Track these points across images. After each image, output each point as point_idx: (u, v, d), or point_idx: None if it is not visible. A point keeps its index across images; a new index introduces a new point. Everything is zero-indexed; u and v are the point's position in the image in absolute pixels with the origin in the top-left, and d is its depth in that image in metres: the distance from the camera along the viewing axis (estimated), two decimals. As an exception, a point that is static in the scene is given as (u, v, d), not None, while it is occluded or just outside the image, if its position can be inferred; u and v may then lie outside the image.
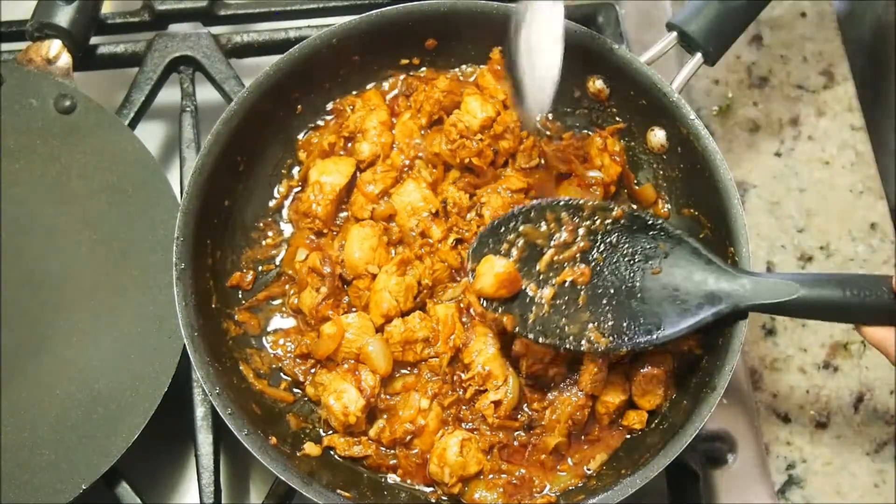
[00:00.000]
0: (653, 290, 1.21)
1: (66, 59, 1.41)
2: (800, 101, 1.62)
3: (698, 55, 1.33)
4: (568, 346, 1.19)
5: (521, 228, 1.22)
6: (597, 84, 1.38)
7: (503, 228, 1.22)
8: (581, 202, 1.23)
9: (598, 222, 1.23)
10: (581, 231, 1.22)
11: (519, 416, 1.27)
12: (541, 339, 1.19)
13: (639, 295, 1.21)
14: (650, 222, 1.22)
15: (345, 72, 1.40)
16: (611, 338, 1.19)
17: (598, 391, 1.25)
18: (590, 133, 1.41)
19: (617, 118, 1.40)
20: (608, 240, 1.23)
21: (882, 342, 1.12)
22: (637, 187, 1.40)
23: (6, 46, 1.49)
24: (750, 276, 1.18)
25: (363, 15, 1.35)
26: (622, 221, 1.23)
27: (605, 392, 1.25)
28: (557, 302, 1.21)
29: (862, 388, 1.45)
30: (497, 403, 1.24)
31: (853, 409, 1.44)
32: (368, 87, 1.43)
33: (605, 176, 1.35)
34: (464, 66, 1.44)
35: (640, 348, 1.21)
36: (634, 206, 1.26)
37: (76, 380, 1.26)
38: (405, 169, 1.37)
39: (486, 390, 1.25)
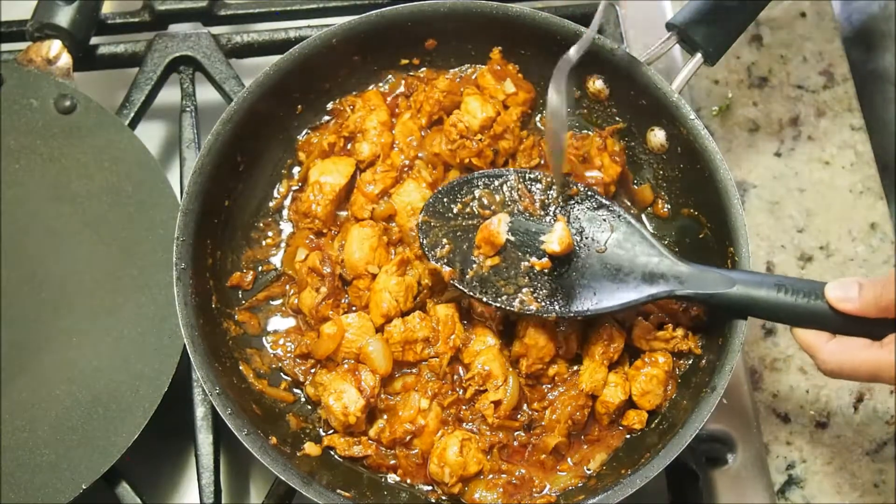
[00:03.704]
0: (594, 267, 1.23)
1: (66, 59, 1.41)
2: (800, 101, 1.62)
3: (698, 55, 1.33)
4: (500, 304, 1.23)
5: (477, 192, 1.28)
6: (596, 84, 1.38)
7: (463, 189, 1.28)
8: (539, 175, 1.28)
9: (552, 196, 1.26)
10: (536, 203, 1.26)
11: (519, 416, 1.27)
12: (474, 294, 1.23)
13: (580, 270, 1.24)
14: (604, 202, 1.26)
15: (345, 72, 1.40)
16: (542, 303, 1.22)
17: (598, 391, 1.25)
18: (590, 133, 1.41)
19: (617, 118, 1.40)
20: (560, 214, 1.26)
21: (811, 346, 1.13)
22: (635, 187, 1.40)
23: (6, 46, 1.49)
24: (690, 266, 1.21)
25: (363, 15, 1.35)
26: (576, 198, 1.26)
27: (605, 392, 1.25)
28: (500, 265, 1.24)
29: (862, 388, 1.45)
30: (497, 403, 1.24)
31: (853, 409, 1.44)
32: (368, 87, 1.43)
33: (605, 176, 1.35)
34: (464, 66, 1.44)
35: (569, 317, 1.23)
36: (590, 185, 1.30)
37: (76, 380, 1.26)
38: (405, 169, 1.37)
39: (486, 390, 1.25)
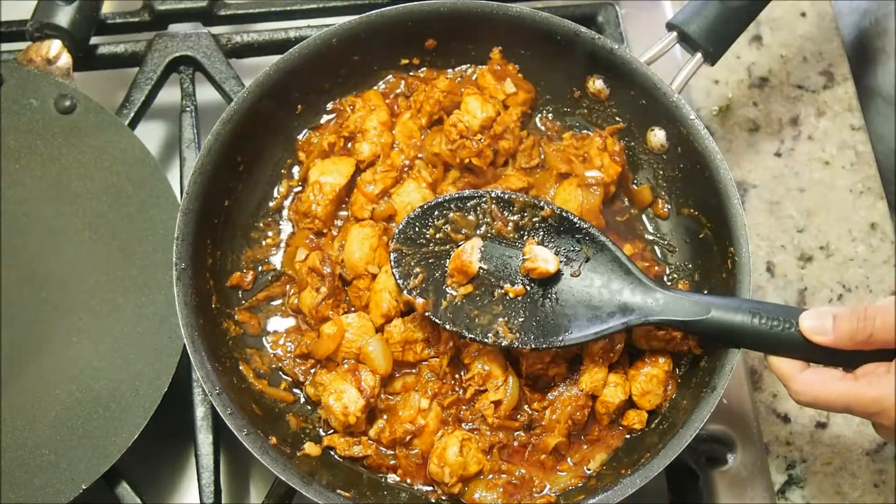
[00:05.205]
0: (568, 293, 1.22)
1: (66, 59, 1.41)
2: (800, 101, 1.62)
3: (698, 55, 1.33)
4: (474, 336, 1.21)
5: (450, 215, 1.25)
6: (597, 84, 1.38)
7: (435, 212, 1.25)
8: (512, 197, 1.25)
9: (526, 218, 1.25)
10: (509, 226, 1.24)
11: (519, 416, 1.27)
12: (448, 326, 1.21)
13: (554, 296, 1.22)
14: (577, 225, 1.23)
15: (345, 72, 1.40)
16: (517, 334, 1.20)
17: (598, 391, 1.25)
18: (590, 133, 1.41)
19: (617, 118, 1.40)
20: (533, 237, 1.24)
21: (784, 375, 1.12)
22: (635, 187, 1.40)
23: (6, 46, 1.49)
24: (665, 292, 1.19)
25: (363, 15, 1.35)
26: (550, 221, 1.24)
27: (605, 392, 1.25)
28: (473, 293, 1.23)
29: (862, 388, 1.45)
30: (497, 403, 1.24)
31: (853, 409, 1.44)
32: (368, 87, 1.43)
33: (605, 176, 1.35)
34: (464, 66, 1.44)
35: (544, 348, 1.21)
36: (564, 208, 1.26)
37: (76, 380, 1.26)
38: (405, 169, 1.37)
39: (486, 390, 1.25)
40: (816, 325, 1.09)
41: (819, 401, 1.10)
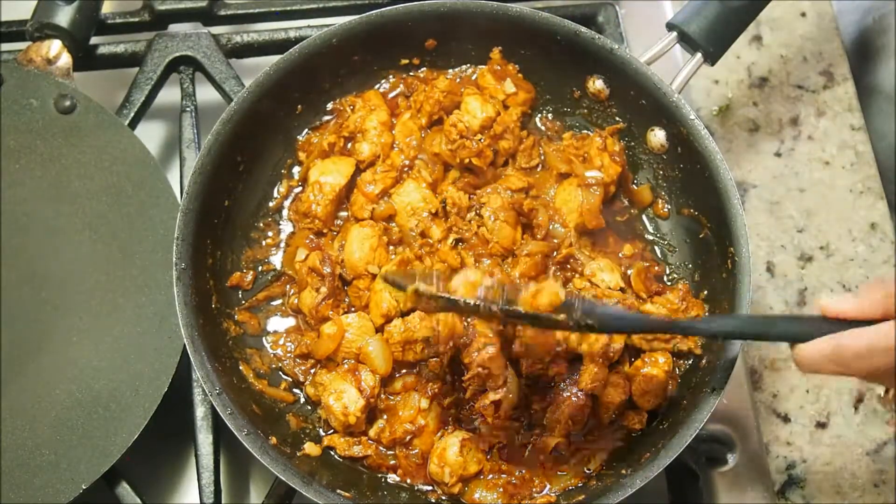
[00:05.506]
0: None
1: (66, 59, 1.41)
2: (800, 101, 1.62)
3: (698, 55, 1.33)
4: (509, 309, 1.10)
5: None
6: (597, 84, 1.38)
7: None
8: (493, 309, 1.11)
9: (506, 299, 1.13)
10: (493, 308, 1.11)
11: (519, 417, 1.27)
12: (476, 303, 1.09)
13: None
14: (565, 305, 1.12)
15: (345, 72, 1.40)
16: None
17: (598, 391, 1.25)
18: (590, 133, 1.41)
19: (617, 118, 1.40)
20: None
21: (824, 348, 1.05)
22: (635, 187, 1.40)
23: (6, 46, 1.49)
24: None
25: (363, 15, 1.35)
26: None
27: (605, 392, 1.25)
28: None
29: (862, 388, 1.45)
30: (497, 403, 1.24)
31: (853, 409, 1.44)
32: (368, 87, 1.43)
33: (605, 176, 1.35)
34: (464, 66, 1.44)
35: (585, 323, 1.10)
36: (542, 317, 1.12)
37: (76, 380, 1.26)
38: (405, 169, 1.37)
39: (486, 390, 1.25)
40: (836, 298, 1.06)
41: (875, 345, 1.02)
